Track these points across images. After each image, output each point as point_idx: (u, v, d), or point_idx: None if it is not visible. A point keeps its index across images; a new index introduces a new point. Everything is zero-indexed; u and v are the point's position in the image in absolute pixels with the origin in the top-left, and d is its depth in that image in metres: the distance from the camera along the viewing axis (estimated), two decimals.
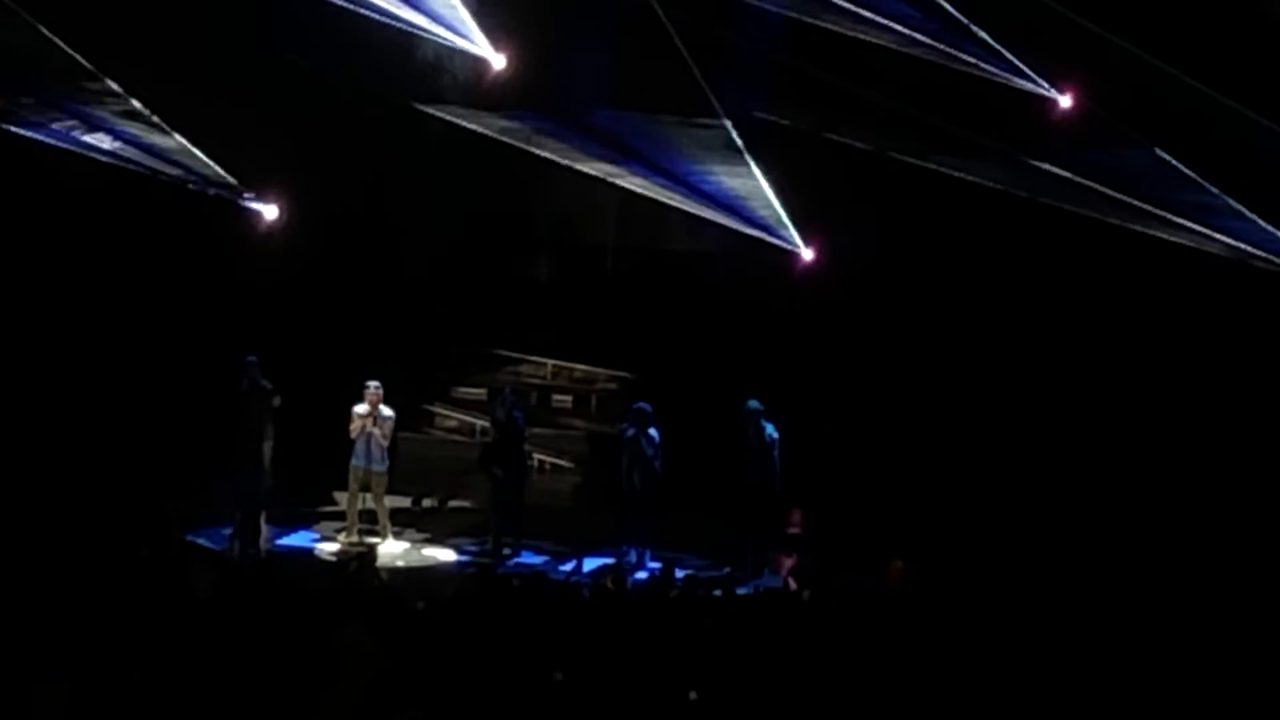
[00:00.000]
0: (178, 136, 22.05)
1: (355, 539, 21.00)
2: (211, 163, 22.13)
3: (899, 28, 21.02)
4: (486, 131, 23.03)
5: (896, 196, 23.15)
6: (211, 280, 23.26)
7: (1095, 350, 22.74)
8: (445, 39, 21.19)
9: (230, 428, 20.68)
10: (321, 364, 22.26)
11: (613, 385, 25.50)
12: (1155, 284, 22.19)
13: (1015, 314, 23.03)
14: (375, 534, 21.06)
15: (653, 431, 20.90)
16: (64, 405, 22.01)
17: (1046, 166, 22.18)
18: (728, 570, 19.43)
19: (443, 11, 21.02)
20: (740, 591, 17.50)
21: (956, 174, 22.28)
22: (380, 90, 22.58)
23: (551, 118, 23.25)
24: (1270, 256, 21.43)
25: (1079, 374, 22.70)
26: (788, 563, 20.70)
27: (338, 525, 21.40)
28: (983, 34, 20.78)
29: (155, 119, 21.99)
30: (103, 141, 22.05)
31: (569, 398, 25.59)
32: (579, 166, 23.05)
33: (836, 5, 20.81)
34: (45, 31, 20.98)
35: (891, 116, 22.07)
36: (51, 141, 21.82)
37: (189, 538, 19.46)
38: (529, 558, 20.88)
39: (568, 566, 20.36)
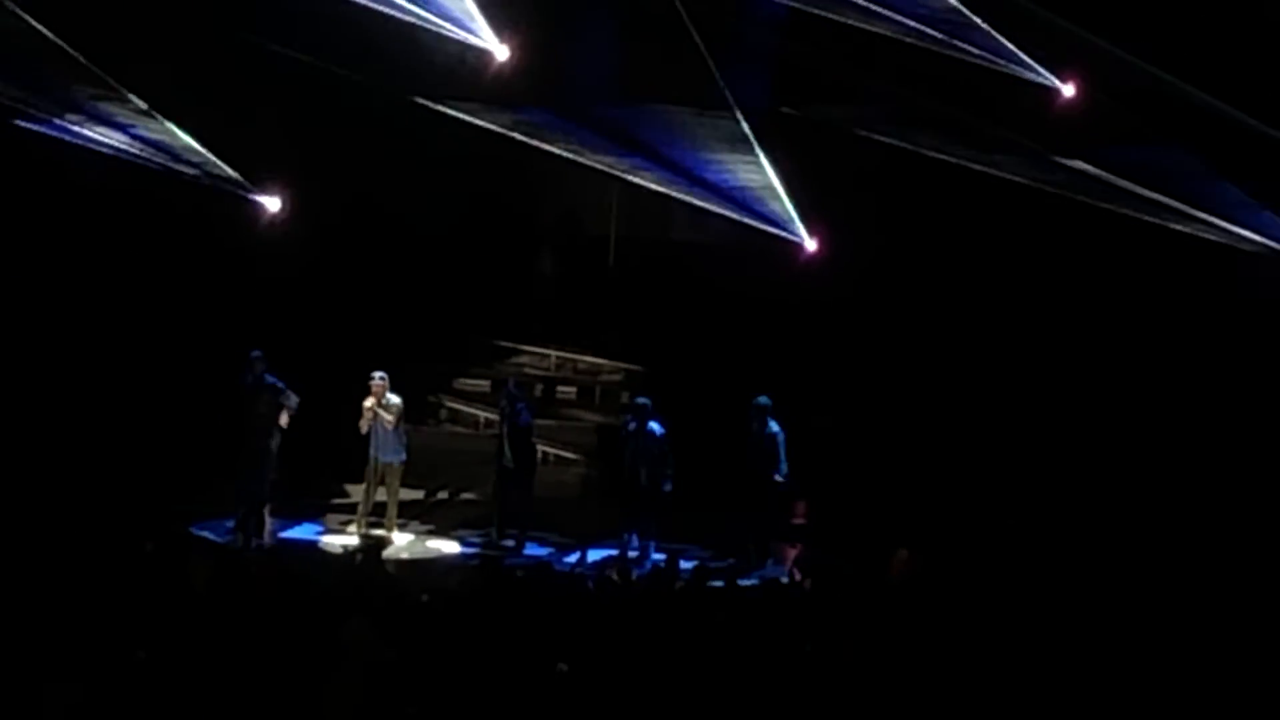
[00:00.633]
0: (181, 132, 22.06)
1: (362, 530, 21.01)
2: (215, 158, 22.14)
3: (909, 21, 21.03)
4: (491, 126, 23.04)
5: (906, 189, 23.16)
6: (216, 275, 23.27)
7: (1102, 342, 22.75)
8: (451, 32, 21.20)
9: (235, 422, 20.69)
10: (326, 357, 22.26)
11: (617, 377, 25.49)
12: (1157, 275, 22.23)
13: (1022, 306, 23.04)
14: (382, 527, 21.06)
15: (654, 425, 20.86)
16: (69, 400, 22.03)
17: (1058, 159, 22.22)
18: (731, 561, 19.46)
19: (448, 4, 21.05)
20: (743, 582, 17.52)
21: (967, 166, 22.29)
22: (386, 83, 22.58)
23: (557, 110, 23.26)
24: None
25: (1085, 365, 22.71)
26: (792, 553, 20.75)
27: (343, 518, 21.42)
28: (988, 28, 20.83)
29: (158, 115, 22.01)
30: (107, 136, 22.05)
31: (573, 389, 25.59)
32: (583, 160, 23.05)
33: None
34: (47, 33, 21.01)
35: (903, 109, 22.09)
36: (56, 136, 21.83)
37: (193, 531, 19.54)
38: (533, 549, 20.89)
39: (572, 558, 20.41)
